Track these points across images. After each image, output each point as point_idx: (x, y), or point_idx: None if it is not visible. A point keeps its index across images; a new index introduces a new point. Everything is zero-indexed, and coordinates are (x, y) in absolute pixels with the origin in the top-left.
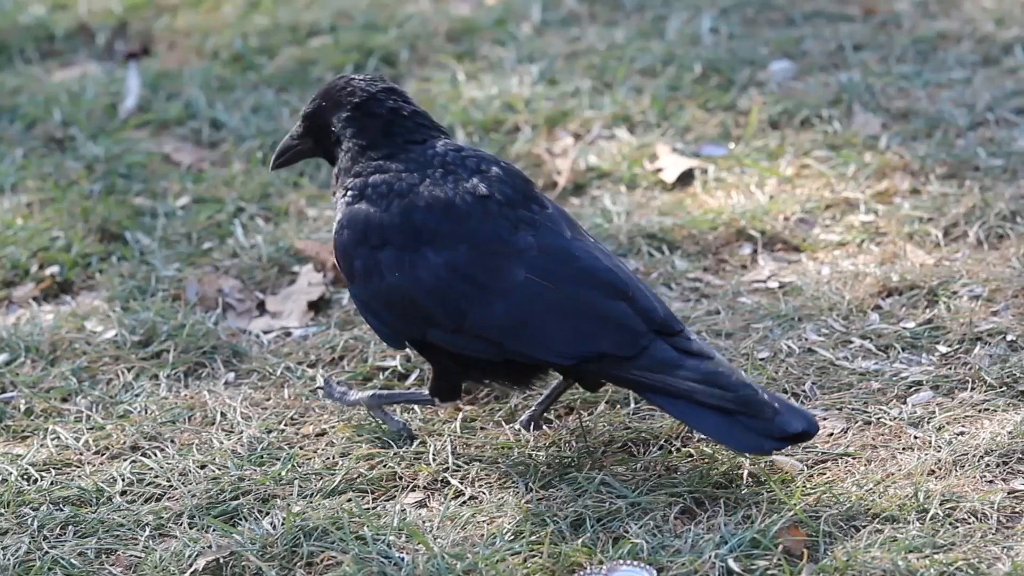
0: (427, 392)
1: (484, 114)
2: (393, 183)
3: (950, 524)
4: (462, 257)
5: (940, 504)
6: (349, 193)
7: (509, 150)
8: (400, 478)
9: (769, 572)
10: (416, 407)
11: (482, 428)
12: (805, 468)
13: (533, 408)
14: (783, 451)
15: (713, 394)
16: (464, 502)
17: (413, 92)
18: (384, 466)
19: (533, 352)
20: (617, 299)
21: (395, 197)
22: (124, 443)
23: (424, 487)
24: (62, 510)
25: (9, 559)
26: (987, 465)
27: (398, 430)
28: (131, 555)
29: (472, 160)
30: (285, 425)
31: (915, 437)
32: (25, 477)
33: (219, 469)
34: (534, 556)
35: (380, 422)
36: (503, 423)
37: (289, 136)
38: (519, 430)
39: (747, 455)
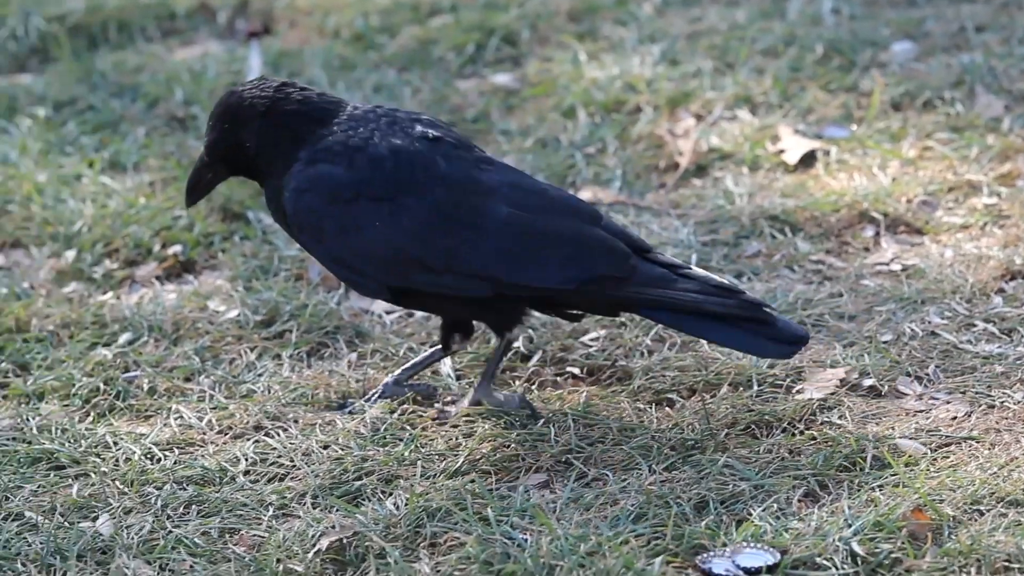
0: (498, 344)
1: (605, 95)
2: (346, 141)
3: None
4: (443, 199)
5: None
6: (296, 165)
7: (630, 131)
8: (523, 459)
9: (893, 555)
10: (503, 360)
11: (605, 409)
12: (928, 452)
13: (400, 371)
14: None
15: (718, 302)
16: (587, 484)
17: (534, 72)
18: (507, 447)
19: (533, 281)
20: (594, 225)
21: (354, 152)
22: (247, 423)
23: (547, 468)
24: (185, 489)
25: (133, 538)
26: None
27: (517, 404)
28: (254, 535)
29: (400, 113)
30: (408, 405)
31: None
32: (149, 456)
33: (342, 449)
34: (657, 538)
35: (499, 407)
36: (625, 403)
37: (195, 169)
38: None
39: (771, 360)
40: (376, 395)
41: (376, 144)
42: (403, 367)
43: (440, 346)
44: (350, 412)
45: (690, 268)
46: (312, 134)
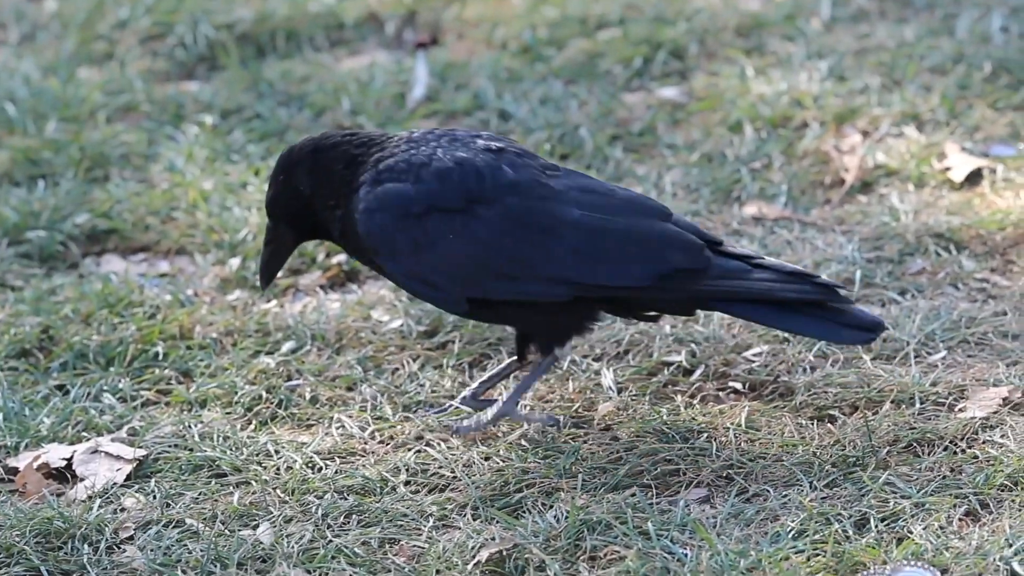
0: (541, 360)
1: (772, 110)
2: (409, 159)
3: None
4: (514, 206)
5: None
6: (363, 188)
7: (796, 146)
8: (683, 473)
9: None
10: (542, 377)
11: (766, 425)
12: None
13: (478, 384)
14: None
15: (794, 289)
16: (748, 499)
17: (701, 87)
18: (668, 461)
19: (610, 280)
20: (660, 219)
21: (419, 168)
22: (409, 433)
23: (708, 483)
24: (346, 499)
25: (293, 546)
26: None
27: (547, 423)
28: (414, 545)
29: (459, 132)
30: (569, 418)
31: None
32: (310, 465)
33: (503, 461)
34: (818, 555)
35: (527, 424)
36: (787, 419)
37: (264, 244)
38: (465, 401)
39: (852, 346)
40: (490, 417)
41: (441, 158)
42: (481, 379)
43: (516, 358)
44: (463, 432)
45: (763, 258)
46: (369, 157)
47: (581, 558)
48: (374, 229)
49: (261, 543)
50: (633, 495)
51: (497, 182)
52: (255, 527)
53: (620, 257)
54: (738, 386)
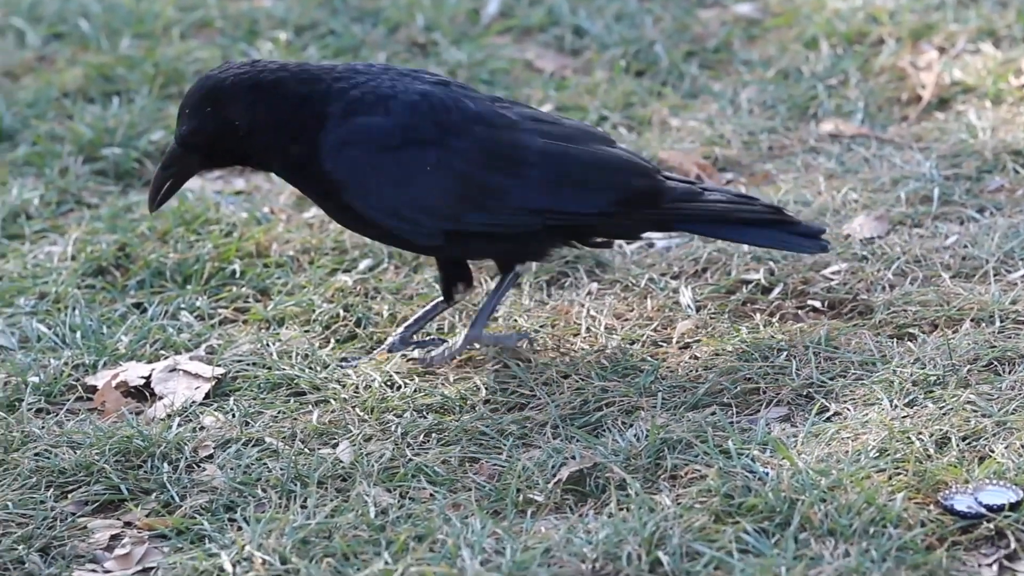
0: (503, 278)
1: (848, 26)
2: (375, 91)
3: None
4: (485, 137)
5: None
6: (330, 121)
7: (873, 63)
8: (763, 392)
9: None
10: (505, 298)
11: (846, 343)
12: None
13: (404, 329)
14: None
15: (747, 209)
16: (828, 418)
17: (777, 2)
18: (747, 380)
19: (579, 207)
20: (612, 144)
21: (387, 100)
22: (487, 352)
23: (788, 402)
24: (425, 417)
25: (373, 465)
26: None
27: (516, 341)
28: (494, 464)
29: (394, 68)
30: (648, 336)
31: None
32: (389, 384)
33: (583, 380)
34: (899, 474)
35: (497, 346)
36: (866, 337)
37: (161, 168)
38: (394, 346)
39: (813, 254)
40: (458, 346)
41: (406, 90)
42: (407, 323)
43: (442, 298)
44: (350, 366)
45: (704, 183)
46: (325, 90)
47: (661, 476)
48: (345, 163)
49: (341, 461)
50: (713, 414)
51: (464, 114)
52: (335, 445)
53: (586, 184)
54: (817, 304)
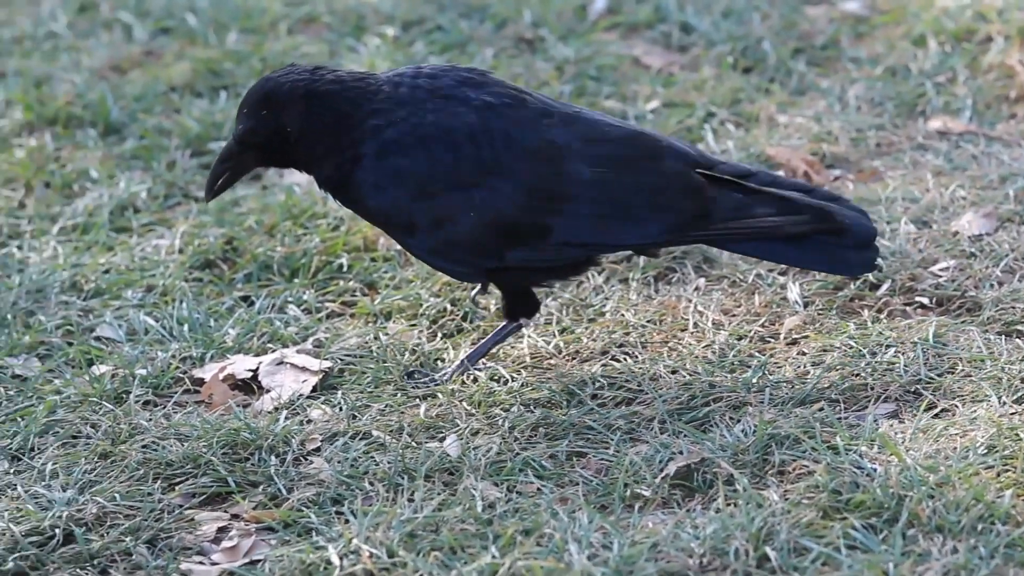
0: (507, 322)
1: (956, 23)
2: (413, 131)
3: None
4: (529, 173)
5: None
6: (366, 159)
7: (981, 60)
8: (871, 388)
9: None
10: (507, 340)
11: (954, 340)
12: None
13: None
14: None
15: (795, 220)
16: (936, 414)
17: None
18: (855, 376)
19: (629, 240)
20: (661, 157)
21: (430, 142)
22: (594, 347)
23: (896, 398)
24: (533, 412)
25: (480, 459)
26: None
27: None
28: (601, 459)
29: (441, 77)
30: (756, 332)
31: None
32: (496, 378)
33: (690, 375)
34: (1007, 470)
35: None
36: (974, 334)
37: (219, 162)
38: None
39: (856, 277)
40: (449, 373)
41: (446, 127)
42: (478, 346)
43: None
44: (414, 384)
45: (756, 173)
46: (363, 117)
47: (769, 472)
48: (386, 206)
49: (448, 455)
50: (821, 410)
51: (509, 148)
52: (442, 439)
53: (634, 216)
54: (925, 300)
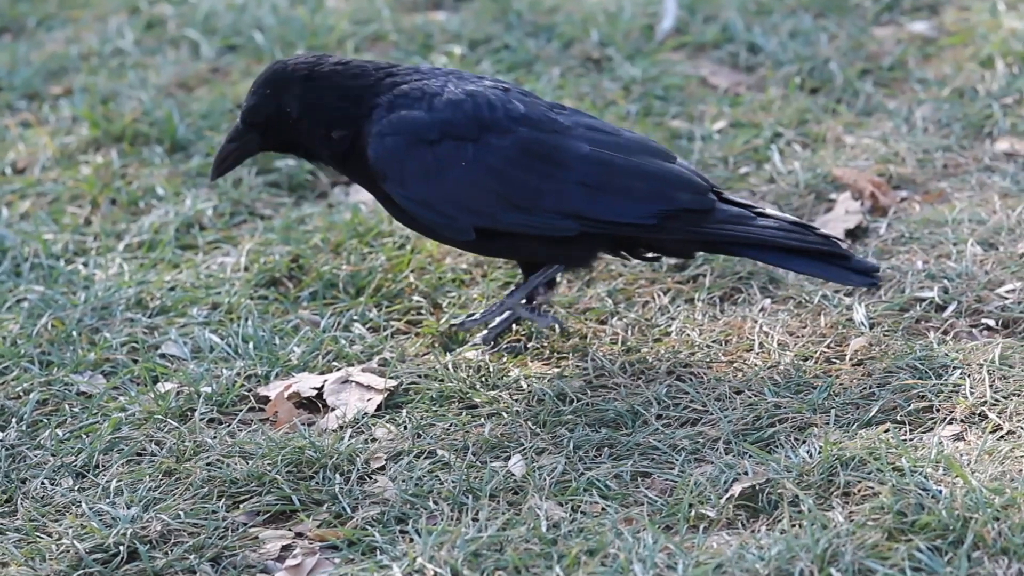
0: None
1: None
2: (422, 88)
3: None
4: (525, 137)
5: None
6: (376, 111)
7: None
8: (937, 410)
9: None
10: (542, 283)
11: (1021, 362)
12: None
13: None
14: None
15: (797, 238)
16: (1002, 436)
17: (951, 21)
18: (921, 398)
19: (617, 216)
20: (667, 160)
21: (432, 97)
22: (659, 367)
23: (961, 420)
24: (598, 431)
25: (545, 478)
26: None
27: (548, 323)
28: (666, 479)
29: (459, 72)
30: (821, 353)
31: None
32: (561, 398)
33: (755, 396)
34: None
35: (531, 321)
36: None
37: (226, 141)
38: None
39: (860, 288)
40: (504, 317)
41: (453, 90)
42: (521, 287)
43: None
44: (466, 327)
45: (764, 209)
46: (374, 86)
47: (834, 493)
48: (384, 154)
49: (513, 475)
50: (886, 431)
51: (509, 113)
52: (507, 458)
53: (627, 193)
54: (991, 323)
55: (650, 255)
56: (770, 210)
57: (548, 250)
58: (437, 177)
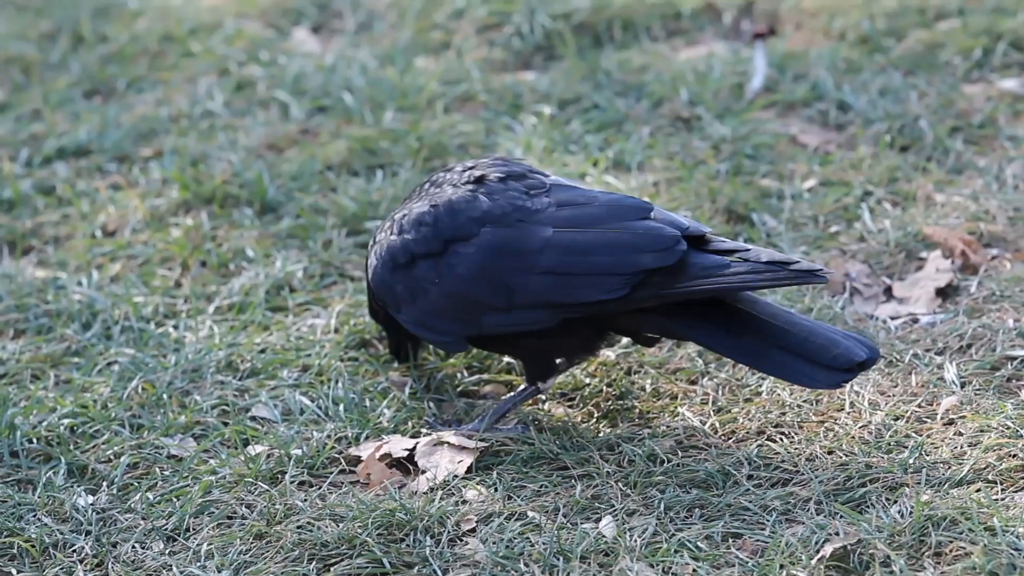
0: (525, 386)
1: None
2: (392, 215)
3: None
4: (490, 239)
5: None
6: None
7: None
8: None
9: None
10: (524, 405)
11: None
12: None
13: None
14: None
15: (768, 278)
16: None
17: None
18: (1013, 457)
19: (583, 296)
20: (641, 219)
21: (401, 220)
22: (750, 427)
23: None
24: (688, 492)
25: (636, 540)
26: None
27: (519, 433)
28: (757, 540)
29: (449, 175)
30: (912, 412)
31: None
32: (651, 459)
33: (846, 455)
34: None
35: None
36: None
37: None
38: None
39: (820, 388)
40: (469, 429)
41: (423, 205)
42: (497, 406)
43: (527, 384)
44: (432, 428)
45: (749, 249)
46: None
47: (926, 554)
48: (377, 283)
49: (604, 536)
50: (978, 490)
51: (471, 215)
52: (598, 520)
53: (592, 270)
54: None
55: (652, 336)
56: (757, 249)
57: (540, 344)
58: (422, 296)
